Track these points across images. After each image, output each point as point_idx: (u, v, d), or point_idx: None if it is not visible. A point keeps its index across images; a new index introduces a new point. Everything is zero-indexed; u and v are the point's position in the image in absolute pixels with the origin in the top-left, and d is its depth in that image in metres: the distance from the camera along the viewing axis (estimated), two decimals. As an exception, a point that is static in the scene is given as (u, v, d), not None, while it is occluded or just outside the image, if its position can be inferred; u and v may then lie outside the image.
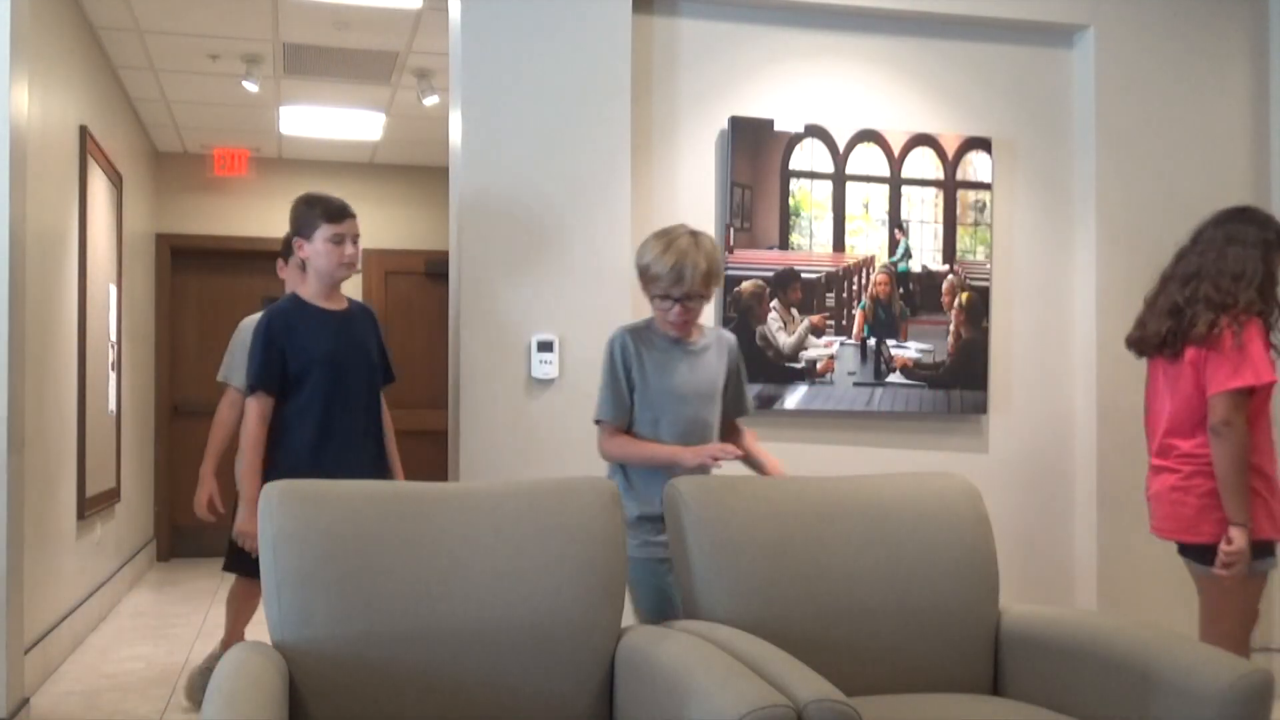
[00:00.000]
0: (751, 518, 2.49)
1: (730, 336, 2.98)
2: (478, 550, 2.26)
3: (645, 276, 2.79)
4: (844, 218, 3.99)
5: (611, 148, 3.74)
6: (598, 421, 2.84)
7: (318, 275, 3.25)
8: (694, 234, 2.77)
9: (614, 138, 3.75)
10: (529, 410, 3.63)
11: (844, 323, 3.98)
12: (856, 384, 3.96)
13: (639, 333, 2.85)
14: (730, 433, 2.95)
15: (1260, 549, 2.91)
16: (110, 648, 5.08)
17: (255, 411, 3.19)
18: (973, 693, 2.50)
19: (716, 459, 2.71)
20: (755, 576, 2.42)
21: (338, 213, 3.21)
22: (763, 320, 3.88)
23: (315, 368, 3.18)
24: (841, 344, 3.97)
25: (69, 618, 4.90)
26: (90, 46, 5.55)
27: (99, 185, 5.66)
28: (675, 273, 2.70)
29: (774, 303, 3.90)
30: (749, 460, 2.93)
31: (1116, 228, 4.15)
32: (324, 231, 3.20)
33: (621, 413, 2.80)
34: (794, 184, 3.94)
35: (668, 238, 2.76)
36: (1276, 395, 3.01)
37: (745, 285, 3.88)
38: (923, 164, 4.07)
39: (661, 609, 2.70)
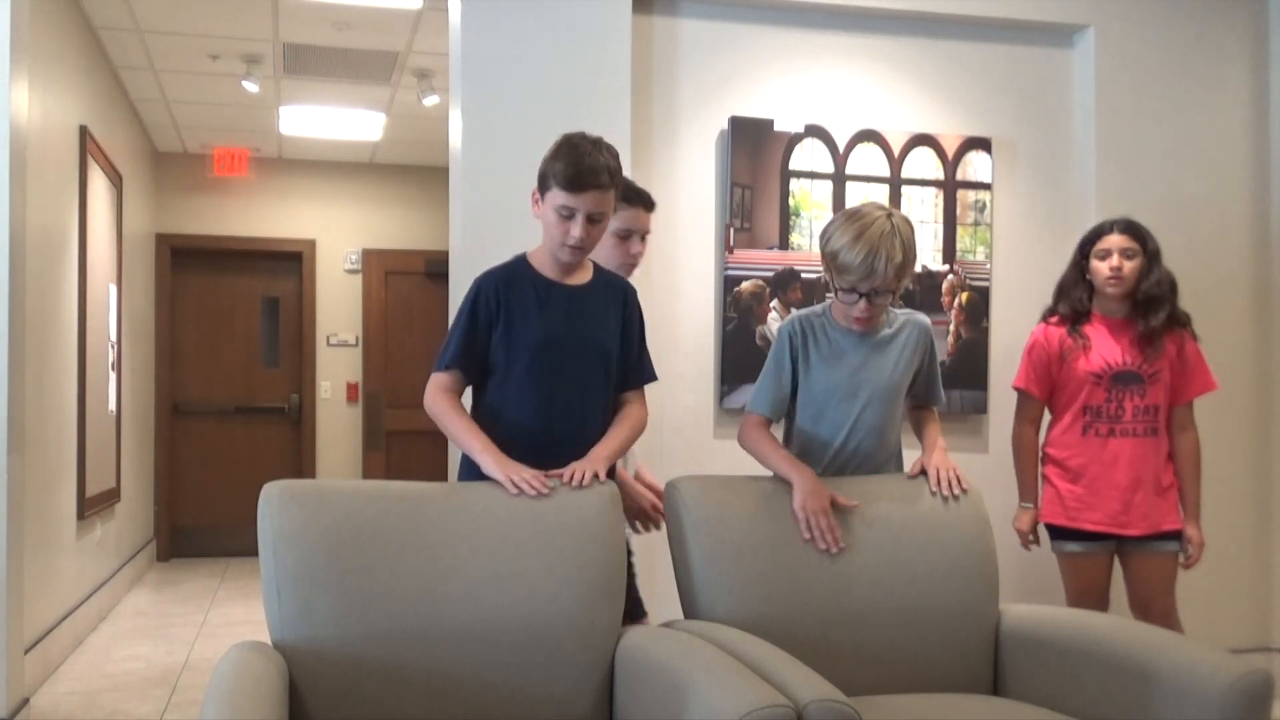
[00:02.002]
0: (751, 518, 2.49)
1: (923, 321, 2.70)
2: (478, 550, 2.26)
3: (832, 264, 2.51)
4: (844, 218, 3.99)
5: (611, 148, 3.73)
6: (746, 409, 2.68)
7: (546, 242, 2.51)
8: (890, 216, 2.48)
9: (614, 138, 3.68)
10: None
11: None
12: (856, 384, 3.96)
13: (813, 320, 2.64)
14: (922, 423, 2.77)
15: (1055, 532, 3.27)
16: (110, 648, 5.09)
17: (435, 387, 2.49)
18: (973, 693, 2.50)
19: (812, 528, 2.48)
20: (755, 576, 2.42)
21: (576, 179, 2.38)
22: (763, 320, 3.88)
23: (525, 352, 2.47)
24: (841, 344, 3.97)
25: (69, 618, 4.90)
26: (90, 46, 5.55)
27: (99, 185, 5.66)
28: (867, 265, 2.43)
29: (774, 303, 3.90)
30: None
31: (1116, 228, 4.15)
32: (554, 197, 2.41)
33: (777, 407, 2.64)
34: (794, 184, 3.94)
35: (861, 222, 2.46)
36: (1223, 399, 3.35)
37: (745, 285, 3.88)
38: (923, 164, 4.07)
39: None
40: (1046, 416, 3.38)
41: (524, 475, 2.34)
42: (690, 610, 2.44)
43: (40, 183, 4.37)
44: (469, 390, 2.55)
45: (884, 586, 2.50)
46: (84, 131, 5.25)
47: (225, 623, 5.65)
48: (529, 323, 2.46)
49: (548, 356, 2.46)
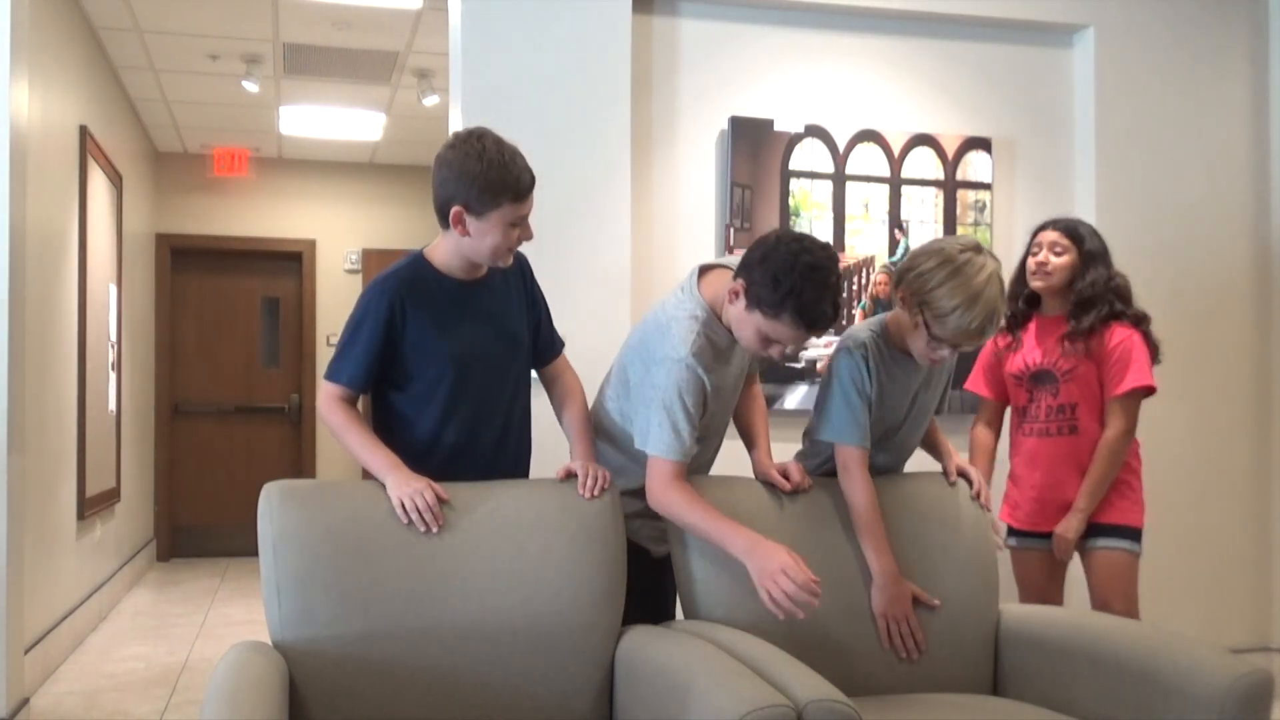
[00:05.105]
0: (751, 518, 2.48)
1: None
2: (478, 550, 2.26)
3: (934, 317, 2.35)
4: (844, 218, 3.99)
5: (611, 148, 3.74)
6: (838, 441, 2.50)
7: (466, 252, 2.37)
8: (996, 266, 2.35)
9: (614, 138, 3.75)
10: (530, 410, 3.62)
11: (844, 323, 3.98)
12: (856, 384, 3.96)
13: (878, 343, 2.49)
14: (931, 432, 2.74)
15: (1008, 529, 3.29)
16: (110, 648, 5.09)
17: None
18: (973, 693, 2.50)
19: (893, 634, 2.44)
20: (755, 576, 2.42)
21: (527, 188, 2.34)
22: (763, 320, 3.87)
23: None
24: (841, 344, 3.97)
25: (69, 618, 4.90)
26: (90, 46, 5.55)
27: (99, 185, 5.66)
28: (979, 330, 2.33)
29: (774, 303, 3.89)
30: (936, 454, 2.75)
31: (1116, 228, 4.13)
32: (506, 212, 2.31)
33: (866, 434, 2.49)
34: (794, 184, 3.94)
35: (974, 281, 2.31)
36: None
37: (745, 285, 3.88)
38: (923, 164, 4.07)
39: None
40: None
41: (422, 500, 2.23)
42: (690, 610, 2.44)
43: (40, 183, 4.37)
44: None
45: (884, 586, 2.49)
46: (84, 131, 5.25)
47: (225, 623, 5.65)
48: (445, 335, 2.37)
49: (468, 369, 2.39)
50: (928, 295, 2.35)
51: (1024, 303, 3.22)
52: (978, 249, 2.37)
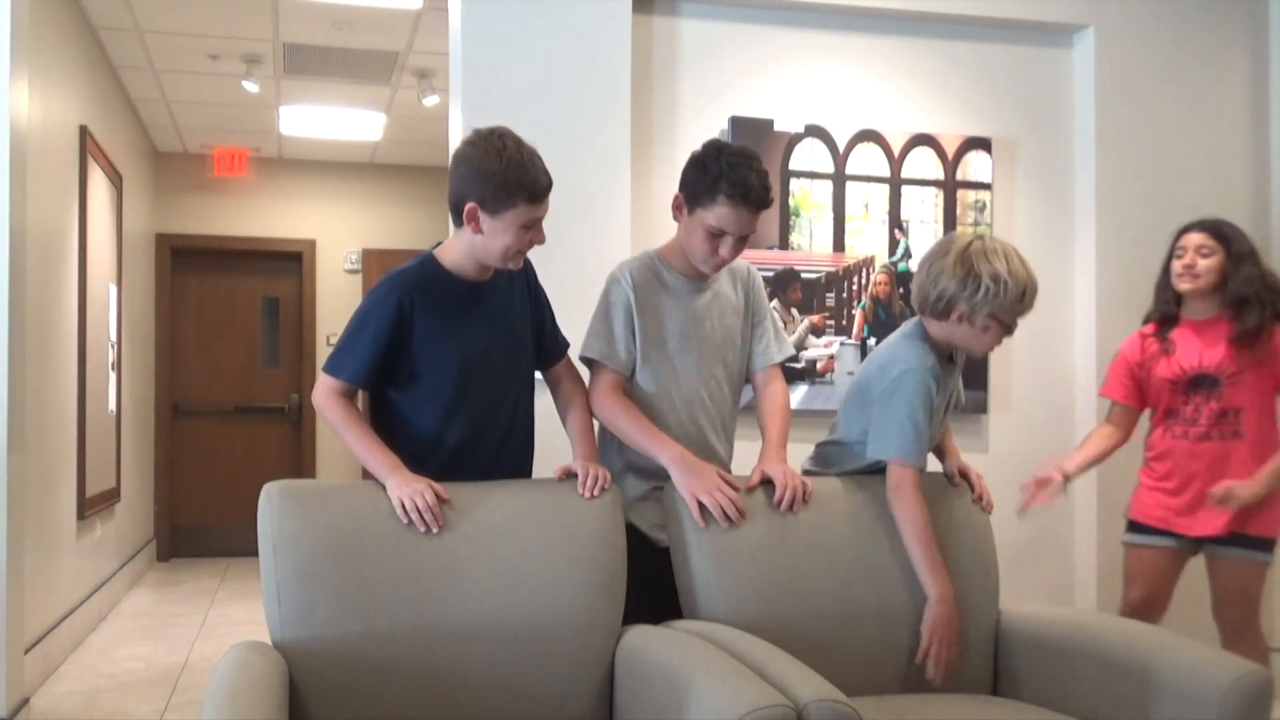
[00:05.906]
0: (752, 517, 2.48)
1: None
2: (478, 550, 2.26)
3: (973, 306, 2.41)
4: (844, 218, 3.99)
5: (611, 148, 3.74)
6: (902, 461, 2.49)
7: (477, 252, 2.37)
8: (998, 241, 2.44)
9: (614, 138, 3.75)
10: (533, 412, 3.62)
11: (844, 323, 3.98)
12: (856, 384, 3.96)
13: (936, 360, 2.50)
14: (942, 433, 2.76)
15: (1128, 525, 3.32)
16: (110, 648, 5.09)
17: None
18: (973, 693, 2.50)
19: (931, 654, 2.44)
20: (755, 576, 2.42)
21: (543, 190, 2.35)
22: (763, 320, 3.88)
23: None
24: (842, 344, 3.97)
25: (69, 618, 4.90)
26: (90, 46, 5.55)
27: (99, 185, 5.66)
28: (1029, 300, 2.42)
29: (774, 303, 3.90)
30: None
31: (1116, 228, 4.15)
32: (521, 213, 2.32)
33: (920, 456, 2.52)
34: (794, 184, 3.94)
35: (987, 258, 2.40)
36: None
37: (745, 285, 3.87)
38: (923, 164, 4.07)
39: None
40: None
41: (422, 501, 2.23)
42: (690, 610, 2.44)
43: (40, 183, 4.37)
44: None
45: (884, 586, 2.49)
46: (84, 131, 5.25)
47: (225, 623, 5.65)
48: (452, 336, 2.36)
49: (473, 370, 2.39)
50: (996, 293, 2.39)
51: (1172, 305, 3.19)
52: (1000, 242, 2.44)
